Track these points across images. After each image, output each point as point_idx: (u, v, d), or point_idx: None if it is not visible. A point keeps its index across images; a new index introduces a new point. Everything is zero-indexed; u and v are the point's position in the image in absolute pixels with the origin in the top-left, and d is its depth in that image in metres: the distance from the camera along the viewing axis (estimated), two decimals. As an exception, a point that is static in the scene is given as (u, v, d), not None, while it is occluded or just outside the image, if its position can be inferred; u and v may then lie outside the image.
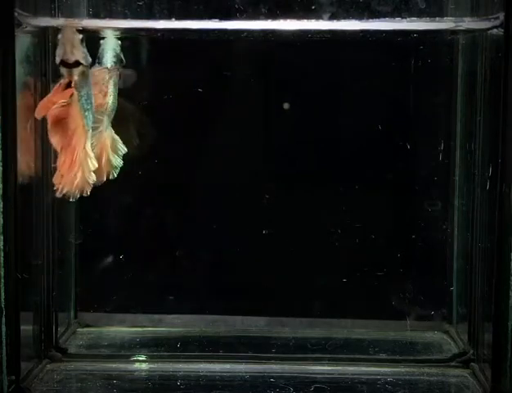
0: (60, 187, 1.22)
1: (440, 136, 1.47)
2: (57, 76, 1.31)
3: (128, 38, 1.42)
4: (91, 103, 1.24)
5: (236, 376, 1.32)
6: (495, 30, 1.24)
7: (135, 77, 1.49)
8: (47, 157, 1.35)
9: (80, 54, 1.22)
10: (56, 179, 1.22)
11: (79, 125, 1.22)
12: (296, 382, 1.29)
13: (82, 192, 1.23)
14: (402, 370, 1.35)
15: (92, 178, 1.23)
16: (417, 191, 1.50)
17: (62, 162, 1.22)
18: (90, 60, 1.25)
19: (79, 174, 1.22)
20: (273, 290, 1.51)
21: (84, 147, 1.22)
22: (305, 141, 1.50)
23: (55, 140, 1.22)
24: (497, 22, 1.22)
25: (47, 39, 1.35)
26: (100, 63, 1.30)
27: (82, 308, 1.52)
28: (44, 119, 1.23)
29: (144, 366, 1.37)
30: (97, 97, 1.28)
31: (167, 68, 1.48)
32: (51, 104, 1.22)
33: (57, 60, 1.22)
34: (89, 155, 1.22)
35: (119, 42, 1.33)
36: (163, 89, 1.47)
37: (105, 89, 1.29)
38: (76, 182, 1.22)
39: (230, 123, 1.50)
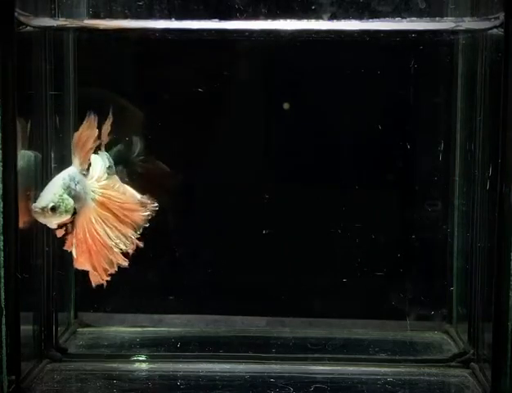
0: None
1: (440, 136, 1.47)
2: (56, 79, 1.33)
3: (128, 38, 1.42)
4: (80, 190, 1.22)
5: (236, 376, 1.32)
6: (495, 30, 1.24)
7: (134, 78, 1.49)
8: (46, 158, 1.35)
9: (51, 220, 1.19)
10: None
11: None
12: (296, 382, 1.29)
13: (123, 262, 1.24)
14: (402, 370, 1.35)
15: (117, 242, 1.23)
16: (417, 192, 1.50)
17: (98, 262, 1.22)
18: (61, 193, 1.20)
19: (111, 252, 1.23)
20: (273, 290, 1.51)
21: (90, 221, 1.21)
22: (305, 141, 1.50)
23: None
24: (497, 22, 1.22)
25: (47, 39, 1.35)
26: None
27: (82, 308, 1.52)
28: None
29: (144, 366, 1.37)
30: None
31: (166, 68, 1.48)
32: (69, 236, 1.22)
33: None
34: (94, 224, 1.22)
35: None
36: (163, 89, 1.47)
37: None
38: (114, 259, 1.23)
39: (230, 123, 1.50)
